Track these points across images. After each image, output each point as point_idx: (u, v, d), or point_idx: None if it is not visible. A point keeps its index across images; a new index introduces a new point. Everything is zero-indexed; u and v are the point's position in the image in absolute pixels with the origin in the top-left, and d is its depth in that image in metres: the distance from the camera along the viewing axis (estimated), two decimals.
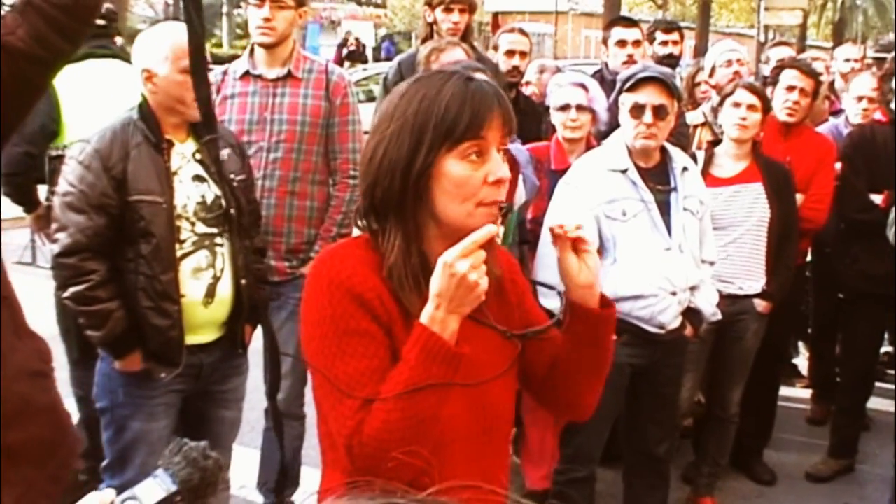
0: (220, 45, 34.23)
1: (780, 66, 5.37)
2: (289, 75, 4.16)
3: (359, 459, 1.75)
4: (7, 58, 2.01)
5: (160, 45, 3.29)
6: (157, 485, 1.43)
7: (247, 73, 4.19)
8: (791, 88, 5.06)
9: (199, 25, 2.38)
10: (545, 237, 3.64)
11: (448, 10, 5.14)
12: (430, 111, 1.79)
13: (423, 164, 1.79)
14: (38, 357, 2.29)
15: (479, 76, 1.90)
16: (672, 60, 6.23)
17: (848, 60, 7.25)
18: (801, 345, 6.78)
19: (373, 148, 1.84)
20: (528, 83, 6.20)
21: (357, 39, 31.79)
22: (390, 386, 1.75)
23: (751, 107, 4.56)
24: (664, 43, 6.31)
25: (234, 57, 4.29)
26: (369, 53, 31.63)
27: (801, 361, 6.69)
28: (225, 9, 38.16)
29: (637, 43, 5.65)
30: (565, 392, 2.08)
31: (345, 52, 30.23)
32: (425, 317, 1.76)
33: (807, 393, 6.22)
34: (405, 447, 1.70)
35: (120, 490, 1.43)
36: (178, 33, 3.33)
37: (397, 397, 1.74)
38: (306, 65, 4.22)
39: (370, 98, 13.97)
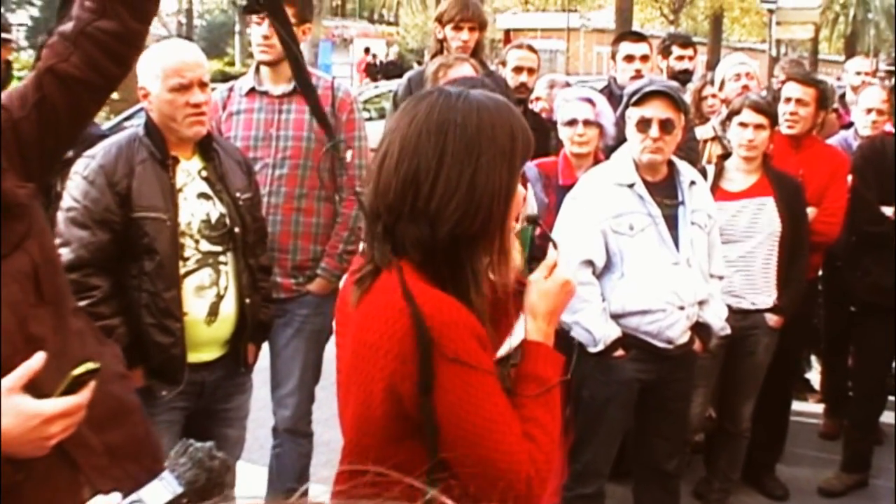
0: (232, 64, 34.35)
1: (784, 81, 5.35)
2: (294, 91, 4.13)
3: (535, 487, 1.80)
4: (61, 85, 2.06)
5: (152, 63, 3.31)
6: (163, 487, 1.42)
7: (252, 90, 4.18)
8: (788, 100, 5.05)
9: (296, 47, 2.65)
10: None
11: (458, 28, 5.13)
12: (514, 138, 1.85)
13: (514, 190, 1.87)
14: (119, 361, 2.40)
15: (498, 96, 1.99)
16: (687, 76, 6.22)
17: (859, 73, 7.22)
18: (813, 359, 6.72)
19: (470, 176, 1.80)
20: (538, 98, 6.20)
21: (375, 55, 32.13)
22: (541, 409, 1.86)
23: (757, 126, 4.54)
24: (680, 58, 6.29)
25: None
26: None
27: (814, 376, 6.63)
28: (237, 28, 38.30)
29: (645, 58, 5.65)
30: None
31: (363, 65, 30.57)
32: (540, 335, 1.94)
33: (819, 407, 6.15)
34: None
35: (125, 496, 1.42)
36: (168, 52, 3.34)
37: (553, 418, 1.87)
38: (312, 81, 4.21)
39: (382, 115, 14.00)
